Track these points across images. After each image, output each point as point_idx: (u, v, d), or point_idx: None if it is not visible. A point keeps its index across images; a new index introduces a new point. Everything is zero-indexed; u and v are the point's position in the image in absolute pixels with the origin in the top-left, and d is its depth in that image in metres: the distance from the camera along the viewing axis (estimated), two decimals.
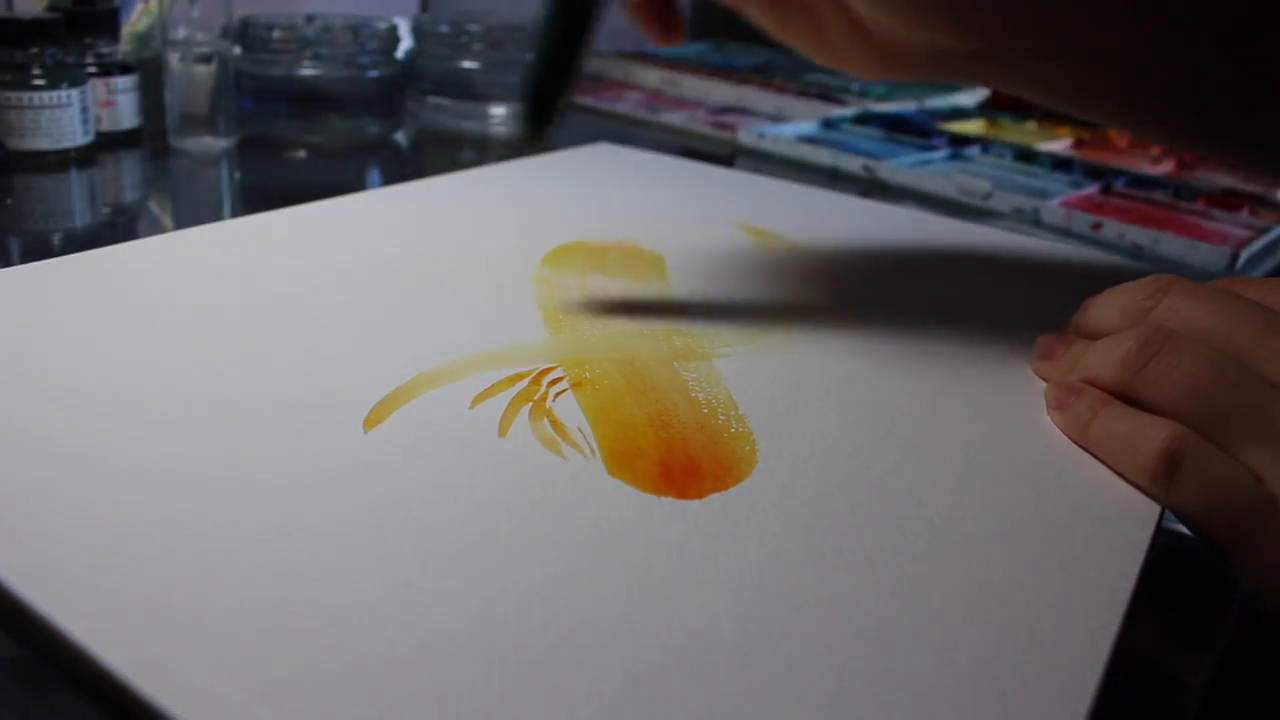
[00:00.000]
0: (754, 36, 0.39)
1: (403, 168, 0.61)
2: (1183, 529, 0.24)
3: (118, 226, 0.46)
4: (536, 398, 0.27)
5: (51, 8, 0.55)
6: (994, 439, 0.27)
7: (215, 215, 0.48)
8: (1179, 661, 0.24)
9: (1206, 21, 0.32)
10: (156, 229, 0.45)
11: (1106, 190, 0.61)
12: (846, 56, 0.35)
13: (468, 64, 0.64)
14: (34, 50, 0.49)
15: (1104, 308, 0.30)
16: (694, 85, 0.84)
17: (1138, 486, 0.25)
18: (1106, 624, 0.20)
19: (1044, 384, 0.30)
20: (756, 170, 0.60)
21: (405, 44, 0.67)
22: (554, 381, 0.28)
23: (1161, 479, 0.24)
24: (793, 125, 0.71)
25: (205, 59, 0.55)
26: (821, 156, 0.63)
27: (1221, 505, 0.23)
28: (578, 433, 0.25)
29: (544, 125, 0.33)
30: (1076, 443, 0.27)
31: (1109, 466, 0.26)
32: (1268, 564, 0.23)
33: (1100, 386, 0.27)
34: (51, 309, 0.30)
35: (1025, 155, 0.67)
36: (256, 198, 0.53)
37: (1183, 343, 0.25)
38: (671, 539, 0.21)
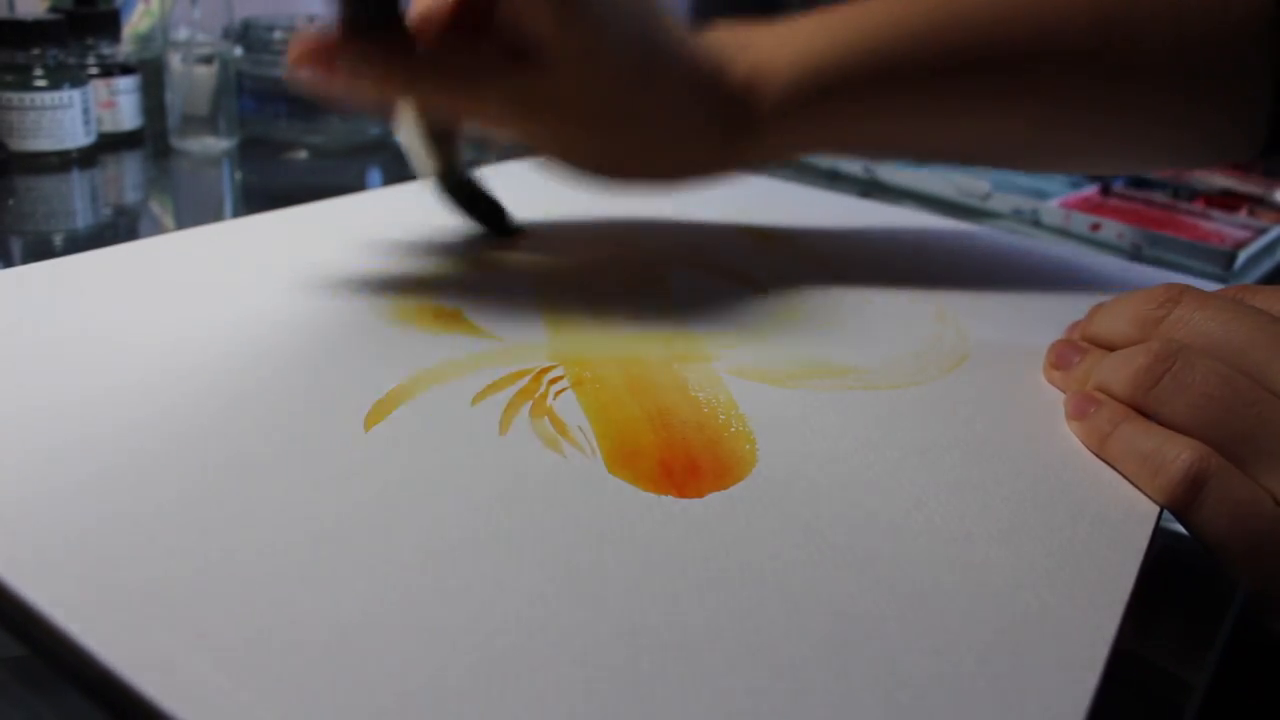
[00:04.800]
0: None
1: (403, 168, 0.60)
2: (1182, 529, 0.24)
3: (119, 227, 0.46)
4: (537, 396, 0.27)
5: (53, 9, 0.56)
6: (994, 439, 0.27)
7: (216, 216, 0.48)
8: (1179, 661, 0.24)
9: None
10: (158, 230, 0.45)
11: (1105, 191, 0.61)
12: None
13: None
14: (36, 51, 0.49)
15: (1114, 316, 0.29)
16: None
17: (1152, 498, 0.25)
18: (1105, 624, 0.20)
19: (1046, 385, 0.31)
20: (757, 171, 0.60)
21: None
22: (554, 380, 0.28)
23: (1184, 500, 0.24)
24: None
25: (206, 60, 0.56)
26: (821, 157, 0.63)
27: (1243, 527, 0.23)
28: (578, 431, 0.25)
29: (501, 222, 0.41)
30: (1094, 453, 0.26)
31: (1127, 479, 0.25)
32: None
33: (1114, 399, 0.27)
34: (53, 309, 0.30)
35: None
36: (257, 198, 0.53)
37: (1195, 359, 0.25)
38: (671, 538, 0.21)
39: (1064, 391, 0.29)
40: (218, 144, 0.57)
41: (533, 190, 0.47)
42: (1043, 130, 0.38)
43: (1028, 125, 0.38)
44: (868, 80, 0.36)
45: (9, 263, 0.39)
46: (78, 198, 0.48)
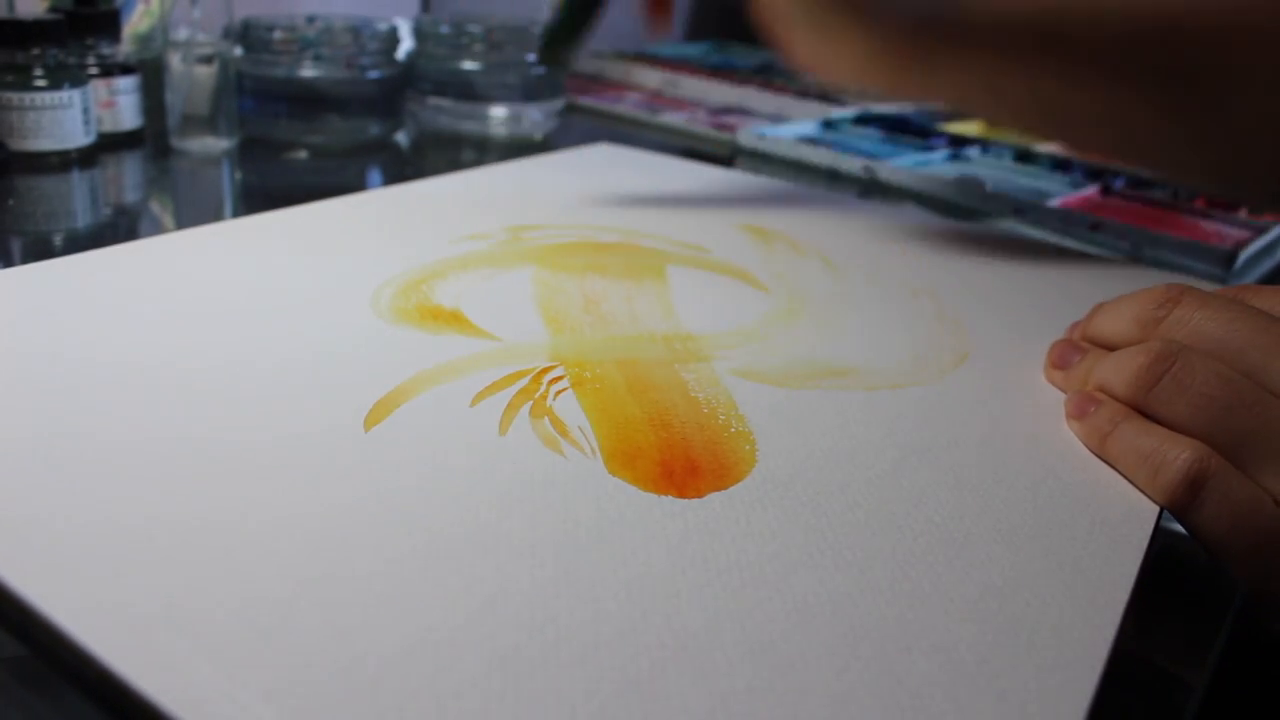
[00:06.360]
0: (754, 37, 0.39)
1: (403, 168, 0.61)
2: (1182, 529, 0.24)
3: (119, 227, 0.46)
4: (537, 396, 0.27)
5: (53, 9, 0.56)
6: (994, 439, 0.27)
7: (216, 216, 0.48)
8: (1178, 661, 0.24)
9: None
10: (158, 229, 0.45)
11: (1105, 191, 0.61)
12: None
13: (468, 65, 0.64)
14: (36, 51, 0.49)
15: (1115, 316, 0.29)
16: (694, 86, 0.84)
17: (1151, 498, 0.25)
18: (1105, 624, 0.20)
19: (1046, 385, 0.31)
20: (756, 171, 0.60)
21: (406, 45, 0.67)
22: (554, 380, 0.28)
23: (1184, 500, 0.24)
24: (792, 126, 0.71)
25: (206, 60, 0.55)
26: (821, 157, 0.63)
27: (1243, 528, 0.23)
28: (578, 431, 0.25)
29: (565, 51, 0.36)
30: (1094, 453, 0.26)
31: (1126, 479, 0.25)
32: None
33: (1114, 399, 0.27)
34: (53, 309, 0.30)
35: (1024, 155, 0.67)
36: (257, 198, 0.53)
37: (1195, 359, 0.25)
38: (671, 538, 0.21)
39: (1064, 391, 0.29)
40: (218, 144, 0.57)
41: (539, 188, 0.47)
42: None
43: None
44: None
45: (9, 263, 0.39)
46: (78, 198, 0.48)
